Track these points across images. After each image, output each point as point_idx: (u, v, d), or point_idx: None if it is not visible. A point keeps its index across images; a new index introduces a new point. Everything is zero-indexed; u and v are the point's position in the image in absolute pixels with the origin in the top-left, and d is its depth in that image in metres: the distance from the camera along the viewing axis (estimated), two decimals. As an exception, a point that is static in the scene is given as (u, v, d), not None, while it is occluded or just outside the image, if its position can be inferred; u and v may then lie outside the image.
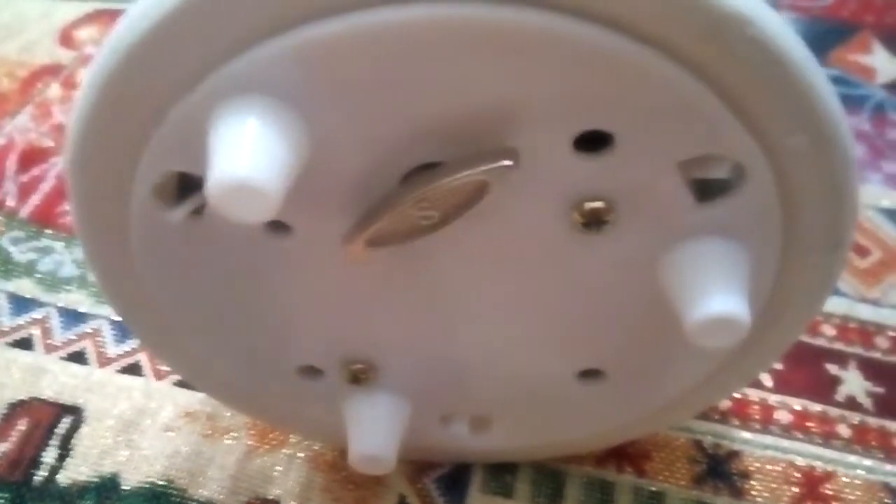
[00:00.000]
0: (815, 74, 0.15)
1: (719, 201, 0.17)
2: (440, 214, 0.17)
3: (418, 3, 0.14)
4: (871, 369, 0.28)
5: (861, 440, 0.26)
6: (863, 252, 0.32)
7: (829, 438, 0.26)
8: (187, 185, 0.18)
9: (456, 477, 0.25)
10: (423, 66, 0.15)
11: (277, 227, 0.18)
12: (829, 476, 0.25)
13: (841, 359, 0.29)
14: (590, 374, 0.21)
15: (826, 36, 0.43)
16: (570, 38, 0.14)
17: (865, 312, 0.30)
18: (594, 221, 0.17)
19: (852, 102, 0.39)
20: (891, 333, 0.29)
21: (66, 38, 0.39)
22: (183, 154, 0.17)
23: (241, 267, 0.19)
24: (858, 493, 0.25)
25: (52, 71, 0.38)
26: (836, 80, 0.40)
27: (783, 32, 0.14)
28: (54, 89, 0.37)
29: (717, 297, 0.17)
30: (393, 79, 0.15)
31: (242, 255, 0.19)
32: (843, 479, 0.25)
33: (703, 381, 0.21)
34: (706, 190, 0.17)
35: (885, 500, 0.25)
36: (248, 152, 0.14)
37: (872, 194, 0.35)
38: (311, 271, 0.19)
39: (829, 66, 0.41)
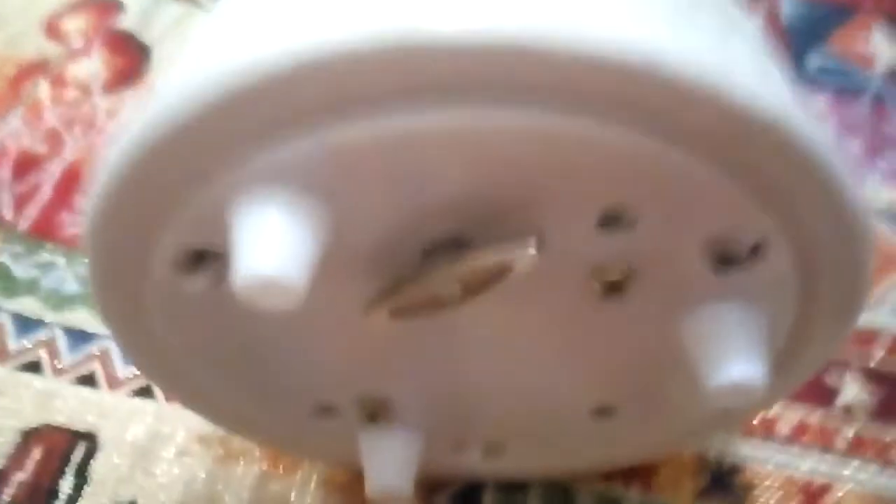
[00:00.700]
0: (843, 173, 0.15)
1: (739, 271, 0.17)
2: (463, 290, 0.17)
3: (445, 107, 0.14)
4: (868, 376, 0.29)
5: (857, 450, 0.27)
6: (860, 253, 0.33)
7: (827, 448, 0.27)
8: (204, 254, 0.18)
9: (467, 496, 0.26)
10: (450, 160, 0.15)
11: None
12: (827, 487, 0.26)
13: (839, 366, 0.29)
14: (603, 411, 0.22)
15: (825, 19, 0.42)
16: (595, 140, 0.14)
17: (862, 318, 0.31)
18: (614, 289, 0.18)
19: (850, 93, 0.39)
20: (886, 340, 0.30)
21: (52, 30, 0.38)
22: (202, 233, 0.16)
23: (259, 322, 0.19)
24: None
25: (40, 67, 0.37)
26: (834, 71, 0.40)
27: (812, 133, 0.14)
28: (44, 88, 0.36)
29: (737, 363, 0.17)
30: (418, 170, 0.15)
31: (260, 316, 0.19)
32: (840, 490, 0.26)
33: (711, 418, 0.22)
34: (726, 258, 0.17)
35: (881, 511, 0.26)
36: (274, 251, 0.14)
37: (868, 194, 0.35)
38: (329, 324, 0.19)
39: (828, 54, 0.41)
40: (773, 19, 0.42)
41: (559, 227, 0.16)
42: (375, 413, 0.22)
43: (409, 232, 0.17)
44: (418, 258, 0.17)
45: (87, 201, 0.17)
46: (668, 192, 0.15)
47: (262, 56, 0.14)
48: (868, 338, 0.30)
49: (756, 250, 0.17)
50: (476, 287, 0.17)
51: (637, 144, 0.15)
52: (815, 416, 0.28)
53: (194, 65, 0.15)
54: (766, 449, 0.27)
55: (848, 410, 0.28)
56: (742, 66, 0.14)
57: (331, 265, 0.17)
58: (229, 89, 0.14)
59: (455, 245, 0.17)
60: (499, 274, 0.16)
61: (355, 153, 0.15)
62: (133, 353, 0.20)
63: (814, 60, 0.41)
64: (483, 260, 0.16)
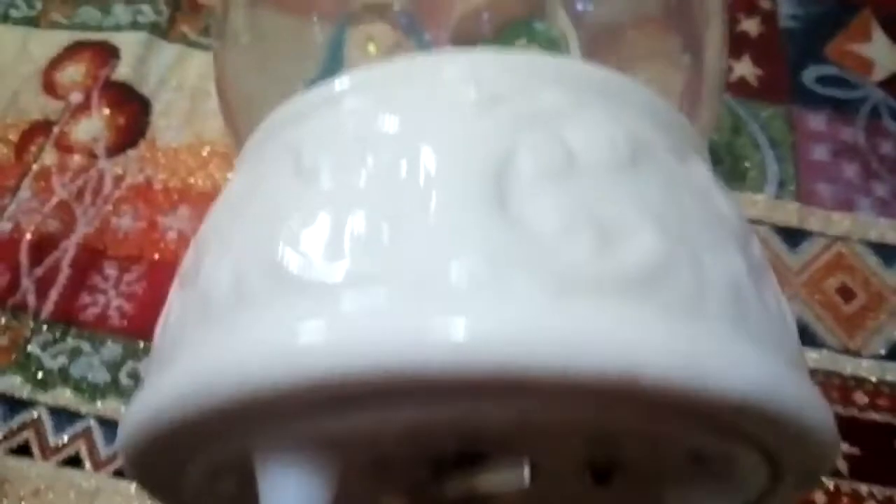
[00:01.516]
0: (819, 436, 0.16)
1: (714, 465, 0.19)
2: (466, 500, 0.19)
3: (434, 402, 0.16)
4: (848, 428, 0.31)
5: (835, 506, 0.30)
6: (848, 295, 0.34)
7: (806, 506, 0.30)
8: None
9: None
10: (444, 431, 0.17)
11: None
12: (804, 546, 0.29)
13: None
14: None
15: (826, 20, 0.42)
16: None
17: (849, 366, 0.32)
18: (602, 478, 0.19)
19: (848, 109, 0.39)
20: (869, 388, 0.32)
21: (49, 85, 0.38)
22: (230, 461, 0.18)
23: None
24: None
25: (42, 129, 0.37)
26: (834, 80, 0.40)
27: (782, 403, 0.16)
28: (49, 154, 0.36)
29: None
30: (419, 433, 0.17)
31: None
32: (817, 547, 0.29)
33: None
34: (702, 459, 0.19)
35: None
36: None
37: (861, 224, 0.36)
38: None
39: (828, 62, 0.40)
40: (771, 23, 0.42)
41: (551, 453, 0.18)
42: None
43: (417, 453, 0.18)
44: (429, 470, 0.19)
45: (119, 443, 0.19)
46: (647, 433, 0.17)
47: (269, 375, 0.15)
48: (851, 387, 0.32)
49: (729, 457, 0.19)
50: (482, 495, 0.19)
51: (609, 417, 0.16)
52: (796, 474, 0.30)
53: (191, 368, 0.16)
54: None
55: (828, 466, 0.30)
56: (708, 350, 0.16)
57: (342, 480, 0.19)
58: (248, 395, 0.16)
59: (462, 460, 0.19)
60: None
61: (360, 429, 0.16)
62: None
63: (812, 70, 0.40)
64: (483, 483, 0.18)
